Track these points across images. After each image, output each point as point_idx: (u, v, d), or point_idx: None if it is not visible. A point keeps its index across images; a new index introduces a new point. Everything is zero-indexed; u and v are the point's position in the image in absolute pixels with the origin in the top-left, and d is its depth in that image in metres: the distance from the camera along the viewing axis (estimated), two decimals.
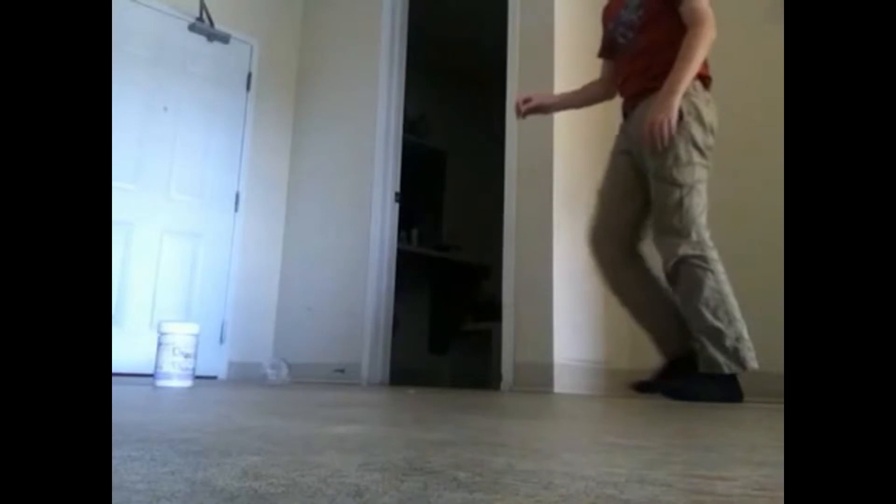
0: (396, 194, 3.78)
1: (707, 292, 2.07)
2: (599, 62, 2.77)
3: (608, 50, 2.45)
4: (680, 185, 2.10)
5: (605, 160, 3.20)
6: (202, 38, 4.13)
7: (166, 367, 2.36)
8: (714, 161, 2.97)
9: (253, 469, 0.49)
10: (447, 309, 5.00)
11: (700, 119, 2.13)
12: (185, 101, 4.04)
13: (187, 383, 2.37)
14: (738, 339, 2.07)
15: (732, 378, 2.09)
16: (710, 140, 2.17)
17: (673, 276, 2.15)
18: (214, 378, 3.88)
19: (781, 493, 0.46)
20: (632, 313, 2.34)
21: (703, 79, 2.20)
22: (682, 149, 2.10)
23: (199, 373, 2.59)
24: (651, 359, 2.63)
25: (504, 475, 0.51)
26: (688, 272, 2.09)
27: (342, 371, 3.61)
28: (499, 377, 2.96)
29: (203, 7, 4.10)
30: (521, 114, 2.47)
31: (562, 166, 2.94)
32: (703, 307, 2.07)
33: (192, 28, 4.09)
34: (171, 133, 3.97)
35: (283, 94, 4.47)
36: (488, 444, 0.77)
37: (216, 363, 3.93)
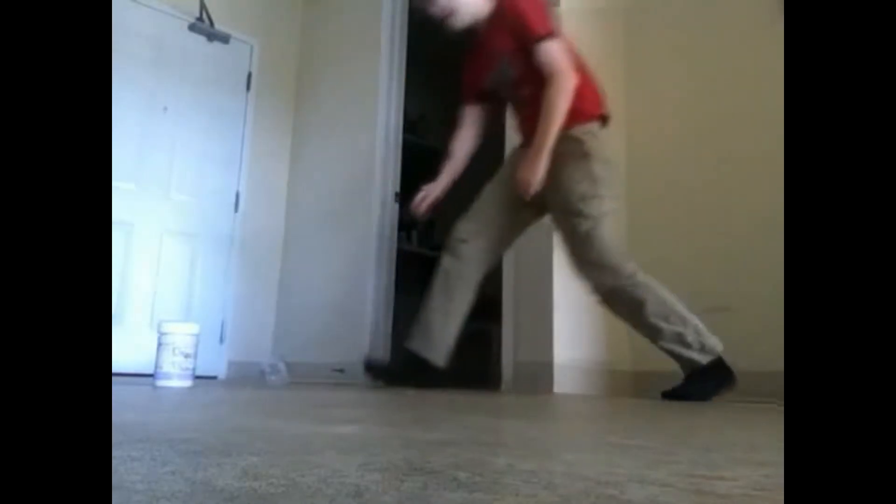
0: (396, 194, 3.78)
1: (651, 307, 2.17)
2: (598, 64, 2.76)
3: (479, 98, 2.52)
4: (586, 217, 2.20)
5: None
6: (202, 38, 4.13)
7: (166, 367, 2.36)
8: (714, 161, 2.98)
9: (253, 469, 0.49)
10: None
11: (599, 156, 2.25)
12: (185, 101, 4.04)
13: (187, 383, 2.37)
14: (697, 331, 2.18)
15: (715, 365, 2.17)
16: (612, 174, 2.34)
17: (609, 304, 2.27)
18: (214, 378, 3.88)
19: (781, 493, 0.46)
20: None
21: (601, 118, 2.33)
22: (586, 184, 2.21)
23: (198, 373, 2.59)
24: (651, 359, 2.63)
25: (504, 475, 0.51)
26: (622, 297, 2.21)
27: (342, 371, 3.61)
28: (499, 377, 2.96)
29: (203, 7, 4.10)
30: (422, 213, 2.59)
31: None
32: (656, 319, 2.18)
33: (192, 28, 4.09)
34: (171, 133, 3.97)
35: (283, 94, 4.47)
36: (488, 444, 0.77)
37: (216, 363, 3.93)
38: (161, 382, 2.35)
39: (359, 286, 3.69)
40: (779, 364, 2.11)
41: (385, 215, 3.74)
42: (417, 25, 4.02)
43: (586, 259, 2.23)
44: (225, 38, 4.18)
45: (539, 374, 2.77)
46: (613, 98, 3.28)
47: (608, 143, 2.34)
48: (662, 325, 2.17)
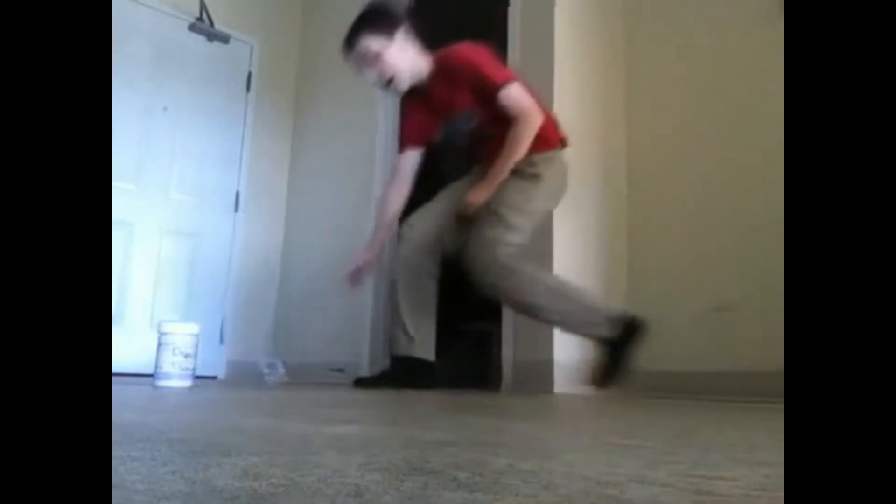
0: None
1: (541, 300, 2.26)
2: (598, 64, 2.78)
3: (422, 146, 2.55)
4: (504, 225, 2.29)
5: (605, 159, 3.20)
6: (202, 38, 4.13)
7: (166, 367, 2.36)
8: (714, 161, 2.98)
9: (253, 469, 0.49)
10: (447, 309, 4.99)
11: (547, 185, 2.38)
12: (185, 101, 4.04)
13: (187, 383, 2.37)
14: (592, 309, 2.30)
15: (627, 331, 2.27)
16: (551, 205, 2.49)
17: (503, 301, 2.37)
18: (214, 378, 3.88)
19: (781, 493, 0.46)
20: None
21: (561, 141, 2.44)
22: (520, 198, 2.32)
23: (198, 373, 2.59)
24: (651, 359, 2.63)
25: (504, 475, 0.51)
26: (510, 295, 2.30)
27: (342, 370, 3.61)
28: (499, 377, 2.96)
29: (203, 7, 4.10)
30: (354, 283, 2.59)
31: None
32: (550, 310, 2.27)
33: (192, 28, 4.09)
34: (171, 133, 3.97)
35: (282, 94, 4.47)
36: (488, 444, 0.77)
37: (216, 363, 3.93)
38: (161, 382, 2.35)
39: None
40: (779, 364, 2.12)
41: None
42: (417, 26, 4.02)
43: (481, 251, 2.29)
44: (225, 38, 4.18)
45: (539, 374, 2.77)
46: (613, 98, 3.29)
47: (565, 166, 2.47)
48: (561, 314, 2.28)
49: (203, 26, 4.10)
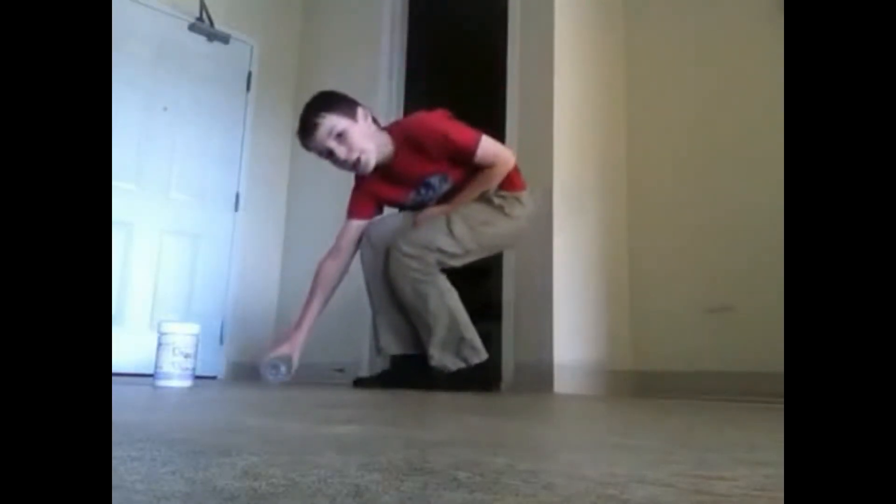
0: None
1: (432, 303, 2.31)
2: (598, 65, 2.78)
3: (367, 218, 2.57)
4: (449, 233, 2.33)
5: (605, 160, 3.20)
6: (202, 38, 4.13)
7: (166, 367, 2.36)
8: (715, 160, 2.99)
9: (253, 469, 0.49)
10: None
11: (509, 224, 2.43)
12: (185, 101, 4.04)
13: (187, 383, 2.37)
14: (457, 340, 2.34)
15: (474, 369, 2.35)
16: (503, 242, 2.54)
17: (400, 296, 2.37)
18: (214, 378, 3.88)
19: (781, 493, 0.46)
20: None
21: (522, 185, 2.49)
22: (478, 220, 2.37)
23: (198, 373, 2.59)
24: (652, 359, 2.63)
25: (504, 475, 0.51)
26: (412, 288, 2.33)
27: (342, 371, 3.61)
28: (499, 377, 2.96)
29: (203, 7, 4.10)
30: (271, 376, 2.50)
31: (562, 166, 2.94)
32: (432, 318, 2.31)
33: (192, 28, 4.09)
34: (171, 133, 3.97)
35: (283, 95, 4.47)
36: (488, 444, 0.77)
37: (216, 363, 3.93)
38: (161, 382, 2.35)
39: (358, 286, 3.68)
40: (779, 364, 2.12)
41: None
42: (417, 25, 4.02)
43: (418, 240, 2.33)
44: (225, 38, 4.18)
45: (539, 374, 2.77)
46: (614, 98, 3.29)
47: (532, 212, 2.53)
48: (434, 323, 2.32)
49: (203, 26, 4.10)
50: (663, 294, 2.97)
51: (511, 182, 2.45)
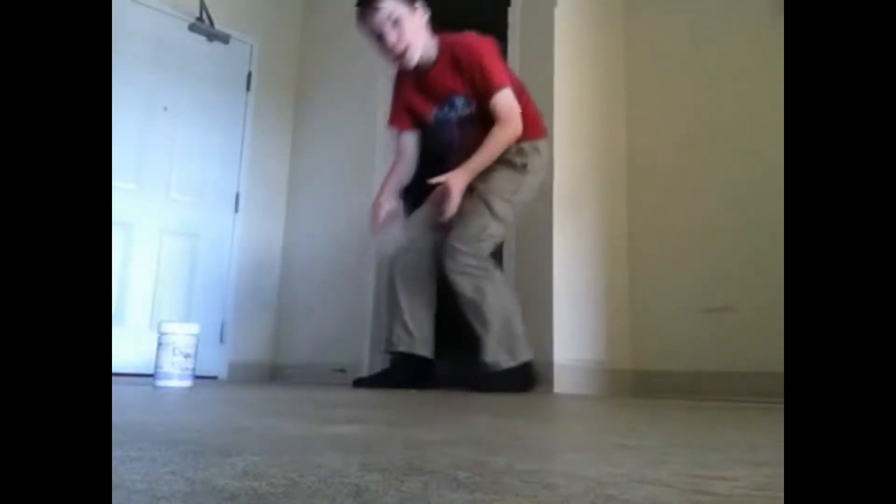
0: None
1: (490, 299, 2.34)
2: (599, 64, 2.79)
3: (414, 126, 2.61)
4: (493, 213, 2.37)
5: (605, 159, 3.20)
6: (202, 38, 4.13)
7: (166, 367, 2.36)
8: (715, 160, 2.98)
9: (253, 469, 0.49)
10: (447, 309, 4.99)
11: (536, 178, 2.45)
12: (185, 101, 4.04)
13: (187, 383, 2.37)
14: (513, 337, 2.36)
15: (520, 368, 2.36)
16: (529, 197, 2.49)
17: (458, 290, 2.38)
18: (214, 378, 3.88)
19: (781, 493, 0.46)
20: None
21: (544, 131, 2.52)
22: (509, 189, 2.40)
23: (199, 373, 2.59)
24: (652, 359, 2.63)
25: (504, 475, 0.51)
26: (472, 284, 2.35)
27: (343, 371, 3.61)
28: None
29: (203, 7, 4.10)
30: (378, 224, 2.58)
31: (562, 166, 2.94)
32: (490, 313, 2.34)
33: (192, 28, 4.09)
34: (171, 133, 3.97)
35: (282, 94, 4.47)
36: (488, 444, 0.77)
37: (216, 363, 3.93)
38: (161, 382, 2.35)
39: (359, 286, 3.69)
40: (779, 364, 2.12)
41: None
42: None
43: (465, 237, 2.36)
44: (225, 38, 4.18)
45: (539, 374, 2.76)
46: (613, 97, 3.29)
47: (550, 159, 2.56)
48: (492, 319, 2.34)
49: (203, 26, 4.10)
50: (663, 294, 2.97)
51: (534, 128, 2.45)
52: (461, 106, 2.47)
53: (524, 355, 2.38)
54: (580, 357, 2.88)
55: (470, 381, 2.41)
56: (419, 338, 2.49)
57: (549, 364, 2.75)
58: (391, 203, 2.58)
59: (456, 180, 2.33)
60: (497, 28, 3.38)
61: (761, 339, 2.49)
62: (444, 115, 2.52)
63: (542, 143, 2.50)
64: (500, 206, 2.38)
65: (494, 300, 2.35)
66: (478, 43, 2.43)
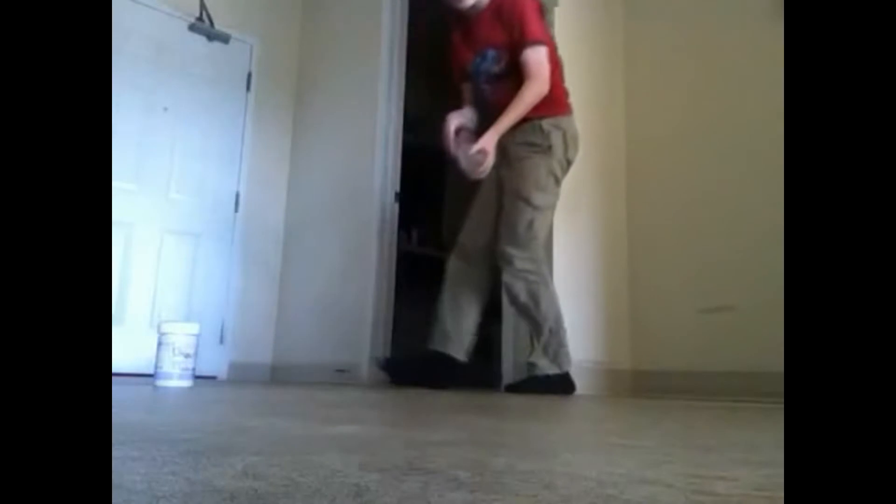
0: (396, 194, 3.78)
1: (543, 305, 2.38)
2: (598, 64, 2.80)
3: (466, 80, 2.68)
4: (534, 207, 2.41)
5: (604, 159, 3.20)
6: (202, 38, 4.13)
7: (166, 367, 2.36)
8: (714, 160, 2.98)
9: (253, 469, 0.49)
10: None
11: (563, 155, 2.47)
12: (185, 101, 4.04)
13: (187, 383, 2.37)
14: (559, 345, 2.40)
15: (559, 377, 2.40)
16: (563, 175, 2.50)
17: (509, 285, 2.43)
18: (214, 378, 3.88)
19: (781, 493, 0.46)
20: None
21: (569, 107, 2.54)
22: (543, 176, 2.43)
23: (199, 373, 2.59)
24: (651, 359, 2.63)
25: (504, 475, 0.51)
26: (526, 288, 2.39)
27: (343, 371, 3.61)
28: (499, 377, 2.96)
29: (203, 7, 4.10)
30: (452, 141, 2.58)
31: None
32: (542, 319, 2.38)
33: (192, 28, 4.08)
34: (171, 133, 3.97)
35: (283, 94, 4.47)
36: (488, 444, 0.77)
37: (216, 363, 3.93)
38: (161, 382, 2.35)
39: (359, 286, 3.69)
40: (779, 364, 2.11)
41: (385, 215, 3.74)
42: (418, 25, 4.02)
43: (516, 240, 2.41)
44: (225, 38, 4.18)
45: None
46: (613, 97, 3.29)
47: (575, 132, 2.54)
48: (544, 325, 2.38)
49: (203, 26, 4.10)
50: (663, 294, 2.97)
51: (554, 106, 2.48)
52: (491, 60, 2.51)
53: (567, 365, 2.42)
54: (580, 357, 2.88)
55: (507, 384, 2.46)
56: (452, 338, 2.53)
57: None
58: (456, 119, 2.59)
59: (488, 143, 2.37)
60: None
61: (761, 339, 2.49)
62: (478, 67, 2.57)
63: (564, 120, 2.51)
64: (537, 197, 2.42)
65: (547, 307, 2.39)
66: None
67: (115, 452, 0.55)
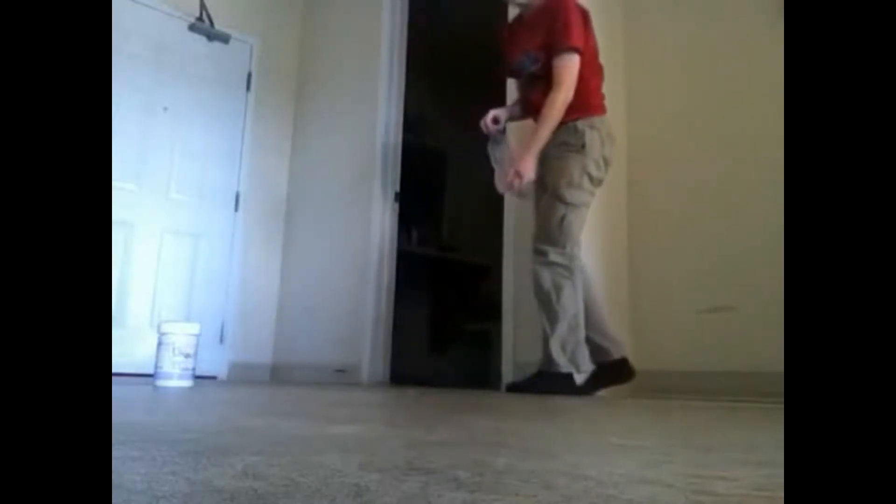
0: (396, 194, 3.78)
1: (565, 296, 2.39)
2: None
3: (511, 75, 2.79)
4: (566, 204, 2.43)
5: None
6: (202, 38, 4.13)
7: (166, 367, 2.36)
8: (714, 160, 2.97)
9: (253, 469, 0.49)
10: (447, 309, 5.00)
11: (599, 154, 2.49)
12: (185, 101, 4.04)
13: (187, 383, 2.37)
14: (577, 343, 2.39)
15: (570, 376, 2.38)
16: (601, 174, 2.52)
17: (538, 274, 2.45)
18: (214, 378, 3.88)
19: (781, 493, 0.46)
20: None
21: (603, 108, 2.58)
22: (577, 174, 2.45)
23: (198, 373, 2.59)
24: (651, 358, 2.63)
25: (504, 475, 0.51)
26: (552, 278, 2.41)
27: (343, 371, 3.61)
28: (499, 377, 2.96)
29: (203, 7, 4.10)
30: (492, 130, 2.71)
31: None
32: (561, 310, 2.38)
33: (192, 28, 4.08)
34: (171, 133, 3.96)
35: (283, 94, 4.47)
36: (488, 444, 0.77)
37: (216, 363, 3.93)
38: (161, 382, 2.35)
39: (359, 286, 3.69)
40: (779, 364, 2.11)
41: (385, 215, 3.74)
42: (417, 25, 4.02)
43: (549, 235, 2.44)
44: (225, 38, 4.18)
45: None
46: (614, 97, 3.29)
47: (610, 133, 2.57)
48: (562, 318, 2.37)
49: (203, 26, 4.10)
50: (663, 294, 2.97)
51: (588, 108, 2.52)
52: (530, 61, 2.57)
53: (584, 365, 2.40)
54: None
55: (509, 384, 2.44)
56: (612, 337, 2.53)
57: None
58: (495, 111, 2.72)
59: (525, 168, 2.44)
60: (498, 27, 3.38)
61: (761, 339, 2.49)
62: (519, 66, 2.64)
63: (597, 120, 2.55)
64: (570, 194, 2.44)
65: (568, 301, 2.38)
66: (571, 3, 2.53)
67: (115, 452, 0.55)
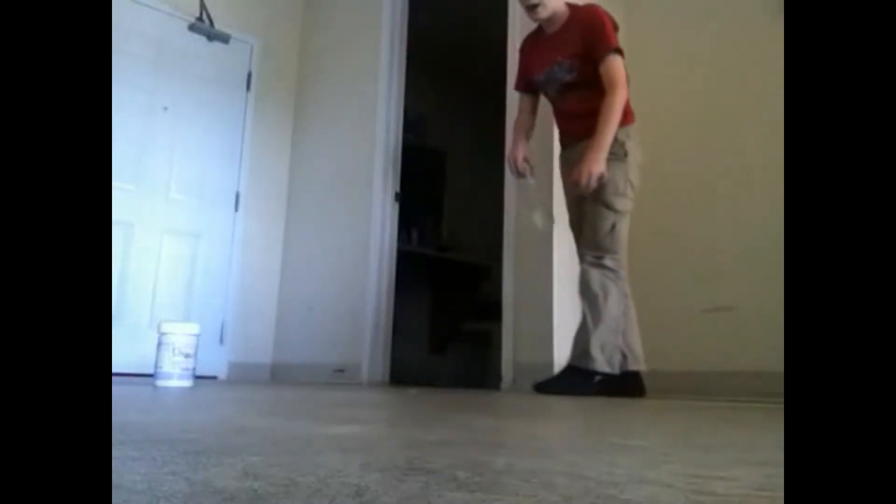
0: (396, 194, 3.78)
1: (611, 300, 2.42)
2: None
3: (528, 87, 2.78)
4: (616, 212, 2.47)
5: None
6: (202, 38, 4.13)
7: (166, 367, 2.36)
8: (714, 160, 2.98)
9: (253, 469, 0.49)
10: (447, 309, 5.00)
11: (633, 160, 2.52)
12: (185, 101, 4.04)
13: (187, 383, 2.37)
14: (615, 347, 2.42)
15: (594, 376, 2.39)
16: (638, 181, 2.56)
17: (586, 274, 2.48)
18: (214, 378, 3.88)
19: (781, 493, 0.46)
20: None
21: (633, 118, 2.59)
22: (621, 182, 2.48)
23: (198, 373, 2.59)
24: (651, 359, 2.63)
25: (504, 475, 0.51)
26: (600, 279, 2.45)
27: (342, 371, 3.61)
28: (499, 377, 2.96)
29: (203, 7, 4.10)
30: (519, 171, 2.74)
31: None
32: (606, 312, 2.40)
33: (192, 28, 4.08)
34: (171, 133, 3.97)
35: (283, 94, 4.47)
36: (488, 444, 0.77)
37: (216, 363, 3.93)
38: (161, 382, 2.35)
39: (359, 286, 3.69)
40: (779, 364, 2.11)
41: (385, 215, 3.74)
42: (417, 26, 4.02)
43: (600, 243, 2.48)
44: (225, 38, 4.18)
45: (539, 374, 2.76)
46: None
47: (641, 151, 2.59)
48: (606, 319, 2.39)
49: (203, 26, 4.10)
50: (663, 294, 2.97)
51: (628, 116, 2.55)
52: (564, 71, 2.59)
53: (617, 367, 2.41)
54: None
55: (537, 383, 2.43)
56: (636, 353, 2.53)
57: (549, 364, 2.75)
58: (522, 149, 2.74)
59: (595, 168, 2.43)
60: (497, 27, 3.38)
61: (761, 339, 2.49)
62: (549, 76, 2.65)
63: (632, 128, 2.59)
64: (619, 203, 2.48)
65: (613, 304, 2.42)
66: (601, 10, 2.58)
67: (115, 452, 0.55)
